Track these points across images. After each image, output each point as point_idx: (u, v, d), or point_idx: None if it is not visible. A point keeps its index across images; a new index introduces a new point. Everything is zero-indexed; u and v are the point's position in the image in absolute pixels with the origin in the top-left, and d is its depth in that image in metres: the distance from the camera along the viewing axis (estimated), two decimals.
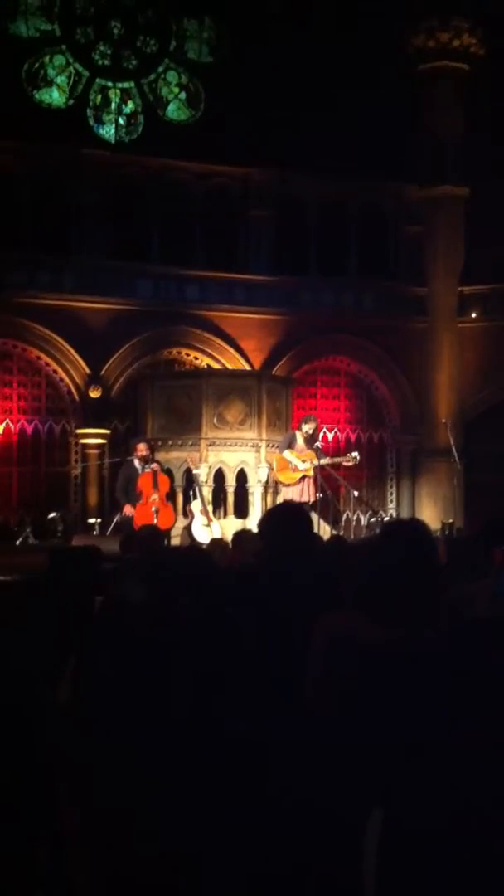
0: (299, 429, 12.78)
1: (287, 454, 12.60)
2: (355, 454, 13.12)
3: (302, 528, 3.66)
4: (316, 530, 8.19)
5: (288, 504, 9.82)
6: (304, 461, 12.44)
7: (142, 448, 12.74)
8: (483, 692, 2.31)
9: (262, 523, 4.09)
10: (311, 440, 12.64)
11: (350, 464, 13.08)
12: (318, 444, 12.82)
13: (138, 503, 12.36)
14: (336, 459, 13.13)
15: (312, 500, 12.33)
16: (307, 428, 12.65)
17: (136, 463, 12.69)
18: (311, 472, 12.39)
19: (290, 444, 12.65)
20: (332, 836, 2.25)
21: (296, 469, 12.46)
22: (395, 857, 2.18)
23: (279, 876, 2.29)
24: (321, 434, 16.31)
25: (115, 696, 2.94)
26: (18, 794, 2.91)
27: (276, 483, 13.37)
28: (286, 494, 12.71)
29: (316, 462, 12.37)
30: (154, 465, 12.56)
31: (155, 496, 12.31)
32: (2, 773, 2.95)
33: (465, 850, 2.15)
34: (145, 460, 12.65)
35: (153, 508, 12.20)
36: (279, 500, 13.50)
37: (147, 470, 12.50)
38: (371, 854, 2.18)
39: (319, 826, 2.26)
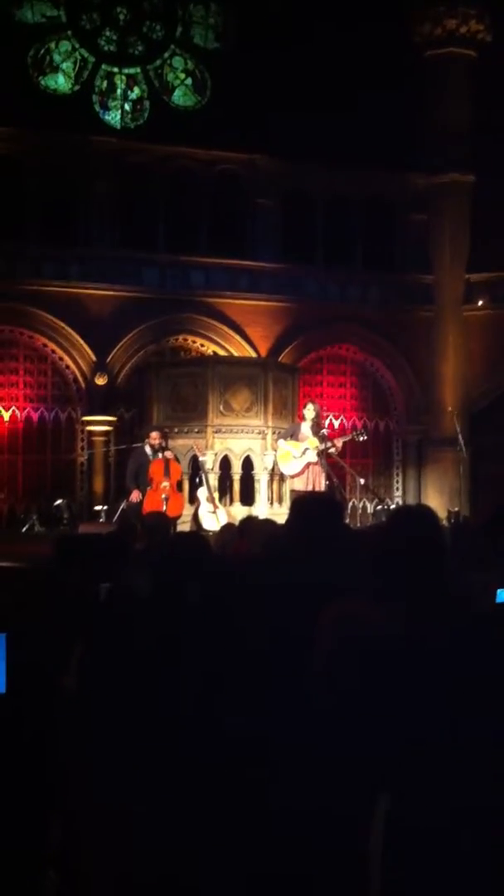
0: (304, 418, 12.77)
1: (282, 443, 12.64)
2: (361, 430, 13.15)
3: (329, 520, 3.60)
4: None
5: (321, 496, 9.85)
6: (305, 448, 12.39)
7: (155, 436, 12.75)
8: (491, 687, 2.30)
9: (293, 512, 4.02)
10: (317, 426, 12.62)
11: (359, 440, 13.11)
12: (325, 431, 12.79)
13: (149, 490, 12.37)
14: (342, 439, 13.11)
15: (319, 488, 12.29)
16: (309, 414, 12.64)
17: (147, 450, 12.69)
18: (314, 459, 12.36)
19: (293, 434, 12.63)
20: (334, 835, 2.25)
21: (301, 455, 12.43)
22: (400, 853, 2.17)
23: (281, 875, 2.29)
24: (327, 421, 16.29)
25: (120, 686, 2.94)
26: (29, 777, 2.92)
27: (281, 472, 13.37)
28: (293, 484, 12.71)
29: (321, 446, 12.34)
30: (168, 453, 12.56)
31: (166, 483, 12.31)
32: (13, 756, 2.96)
33: (469, 846, 2.15)
34: (156, 448, 12.65)
35: (163, 496, 12.20)
36: (285, 488, 13.52)
37: (159, 457, 12.50)
38: (377, 845, 2.18)
39: (322, 825, 2.26)
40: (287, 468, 12.70)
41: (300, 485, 12.44)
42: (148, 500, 12.22)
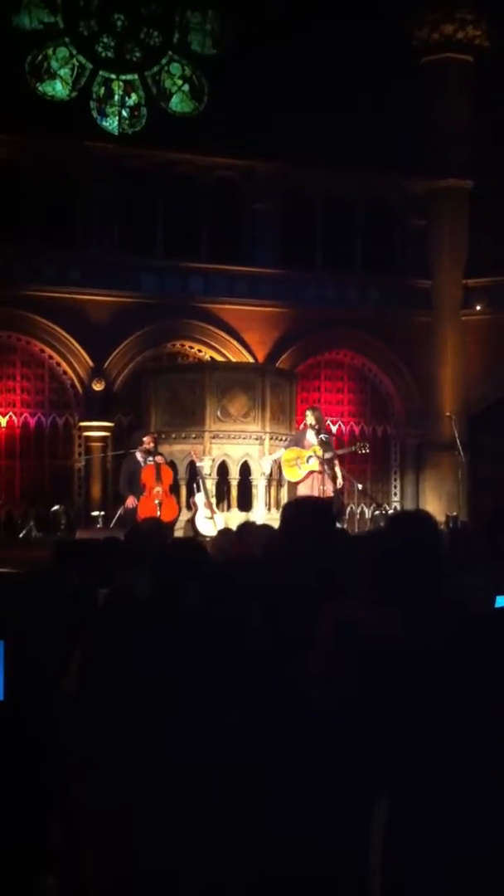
0: (307, 425, 12.68)
1: (282, 452, 12.66)
2: (363, 443, 13.12)
3: (319, 522, 3.62)
4: None
5: (309, 498, 9.82)
6: (308, 457, 12.34)
7: (148, 440, 12.75)
8: (488, 688, 2.30)
9: (283, 514, 4.06)
10: (320, 432, 12.55)
11: (361, 452, 13.09)
12: (324, 436, 12.75)
13: (142, 496, 12.36)
14: (344, 451, 13.10)
15: (322, 495, 12.19)
16: (310, 421, 12.60)
17: (139, 455, 12.68)
18: (316, 467, 12.32)
19: (298, 442, 12.59)
20: (333, 836, 2.25)
21: (300, 464, 12.41)
22: (399, 853, 2.17)
23: (280, 876, 2.29)
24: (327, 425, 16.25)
25: (119, 687, 2.94)
26: (29, 780, 2.92)
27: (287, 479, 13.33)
28: (298, 492, 12.64)
29: (322, 455, 12.30)
30: (158, 458, 12.56)
31: (158, 489, 12.32)
32: (13, 760, 2.96)
33: (469, 846, 2.15)
34: (148, 453, 12.64)
35: (156, 501, 12.21)
36: (283, 494, 13.51)
37: (150, 462, 12.50)
38: (376, 845, 2.18)
39: (321, 825, 2.26)
40: (291, 476, 12.68)
41: (304, 491, 12.37)
42: (142, 507, 12.23)
